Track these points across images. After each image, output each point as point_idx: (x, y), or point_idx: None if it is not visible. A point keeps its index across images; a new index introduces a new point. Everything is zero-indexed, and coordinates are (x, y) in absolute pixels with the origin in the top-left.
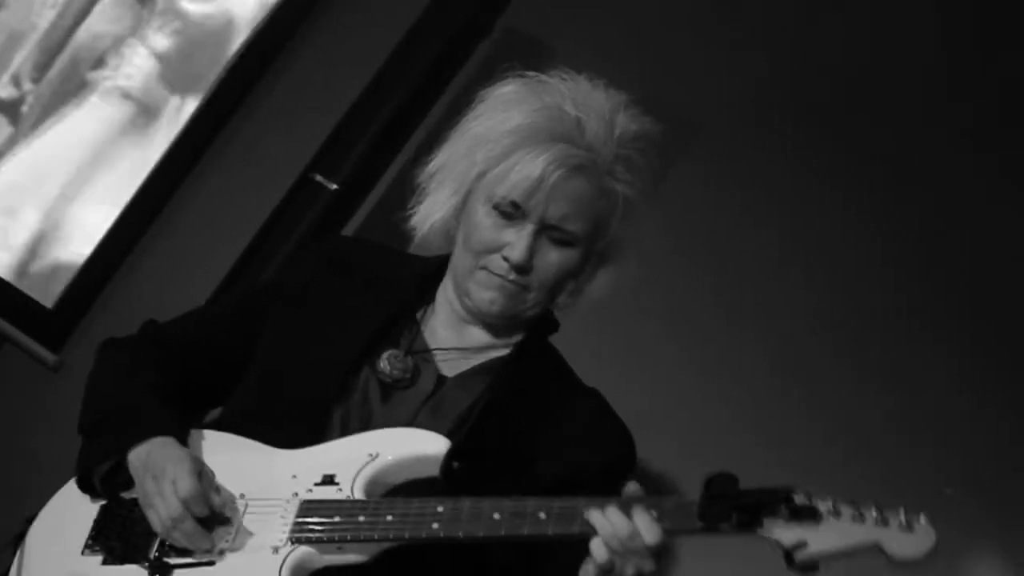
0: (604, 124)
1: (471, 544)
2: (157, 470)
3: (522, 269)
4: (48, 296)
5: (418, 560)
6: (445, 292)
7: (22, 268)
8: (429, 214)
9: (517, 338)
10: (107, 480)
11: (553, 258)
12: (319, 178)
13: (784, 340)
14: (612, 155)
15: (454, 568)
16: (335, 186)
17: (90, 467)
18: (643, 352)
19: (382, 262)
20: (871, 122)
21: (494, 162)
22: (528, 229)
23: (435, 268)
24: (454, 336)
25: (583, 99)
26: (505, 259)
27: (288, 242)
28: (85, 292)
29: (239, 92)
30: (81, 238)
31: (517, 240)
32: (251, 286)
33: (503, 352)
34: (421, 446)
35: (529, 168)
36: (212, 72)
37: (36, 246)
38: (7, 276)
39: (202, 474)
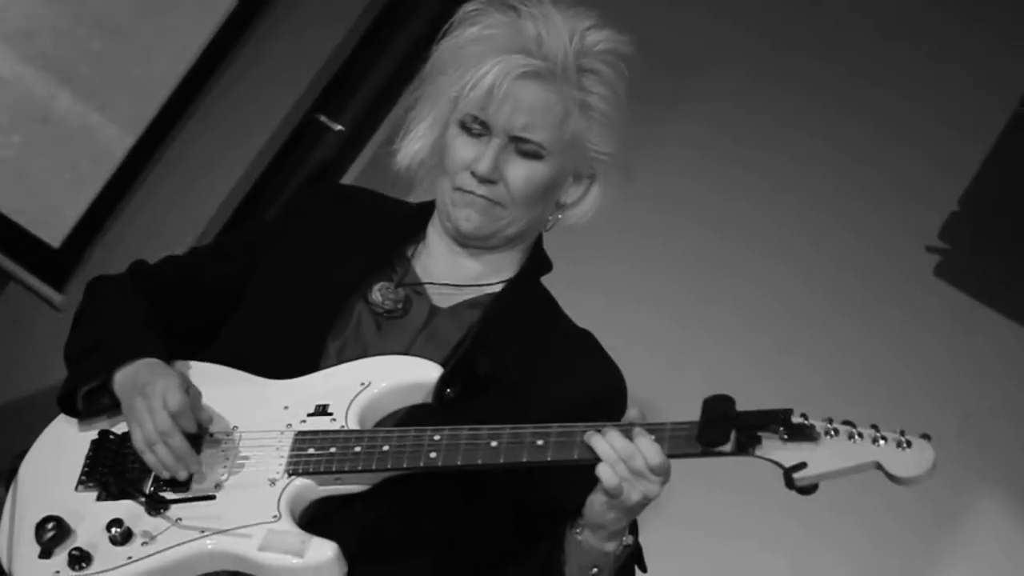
0: (565, 37)
1: (469, 473)
2: (146, 386)
3: (488, 180)
4: (54, 235)
5: (417, 488)
6: (435, 226)
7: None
8: (411, 147)
9: (509, 274)
10: (89, 402)
11: (521, 170)
12: (324, 119)
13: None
14: (575, 66)
15: (453, 495)
16: (340, 127)
17: (76, 387)
18: (634, 281)
19: (373, 205)
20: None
21: (457, 81)
22: (493, 143)
23: (425, 208)
24: (446, 271)
25: (545, 17)
26: (472, 173)
27: (293, 182)
28: (90, 231)
29: (243, 32)
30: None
31: (482, 153)
32: (243, 227)
33: (495, 287)
34: (413, 373)
35: (483, 79)
36: (218, 10)
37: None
38: (12, 215)
39: (190, 391)
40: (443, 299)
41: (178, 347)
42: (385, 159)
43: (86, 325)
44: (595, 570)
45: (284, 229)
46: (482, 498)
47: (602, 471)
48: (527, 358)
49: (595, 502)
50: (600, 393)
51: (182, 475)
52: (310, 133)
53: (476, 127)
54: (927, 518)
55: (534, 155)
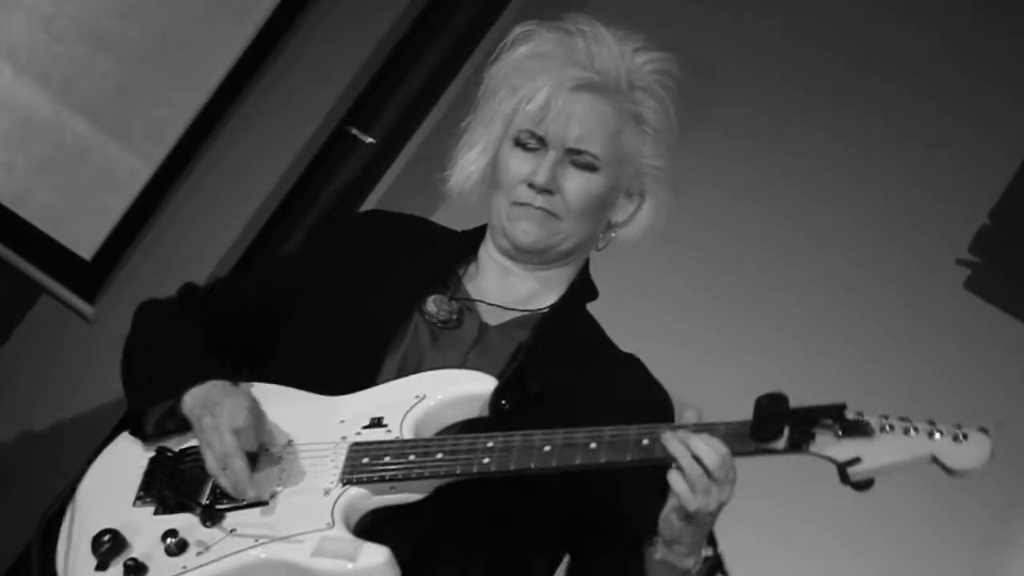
0: (616, 54)
1: (524, 479)
2: (215, 406)
3: (546, 190)
4: (86, 247)
5: (470, 497)
6: (487, 248)
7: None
8: (464, 172)
9: (557, 296)
10: (157, 425)
11: (578, 182)
12: (355, 131)
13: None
14: (627, 81)
15: (506, 504)
16: (371, 139)
17: (145, 410)
18: (670, 294)
19: (423, 230)
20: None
21: (510, 99)
22: (550, 155)
23: (474, 233)
24: (496, 291)
25: (596, 35)
26: (530, 185)
27: (324, 193)
28: (123, 243)
29: (275, 44)
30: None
31: (539, 166)
32: (290, 250)
33: (543, 310)
34: (468, 386)
35: (538, 93)
36: (249, 24)
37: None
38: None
39: (260, 416)
40: (492, 318)
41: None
42: (415, 171)
43: (147, 349)
44: None
45: (332, 249)
46: (536, 508)
47: (674, 479)
48: (575, 378)
49: (668, 515)
50: (648, 417)
51: (249, 496)
52: (341, 145)
53: (532, 142)
54: (961, 530)
55: (589, 167)
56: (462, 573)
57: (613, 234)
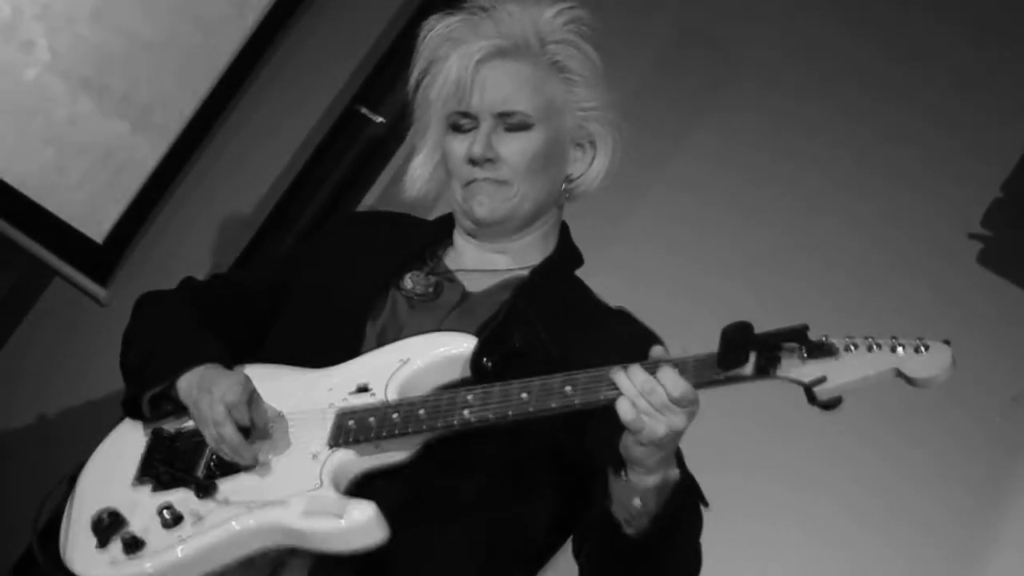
0: (521, 18)
1: (509, 430)
2: (210, 385)
3: (486, 159)
4: (97, 230)
5: (457, 454)
6: (458, 231)
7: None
8: (413, 176)
9: (537, 260)
10: (154, 407)
11: (515, 143)
12: (364, 111)
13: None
14: (538, 39)
15: (491, 457)
16: (380, 119)
17: (141, 392)
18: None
19: (401, 220)
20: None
21: (433, 89)
22: (482, 127)
23: (447, 217)
24: (477, 263)
25: (498, 7)
26: (472, 162)
27: (334, 174)
28: (134, 226)
29: (284, 24)
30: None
31: (474, 139)
32: (285, 249)
33: (525, 273)
34: (449, 346)
35: (450, 72)
36: (257, 5)
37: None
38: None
39: (253, 393)
40: (474, 284)
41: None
42: None
43: (143, 336)
44: (637, 501)
45: (321, 245)
46: (525, 458)
47: (620, 405)
48: (563, 332)
49: (624, 438)
50: (640, 354)
51: (242, 462)
52: (351, 125)
53: (463, 121)
54: (971, 503)
55: (522, 126)
56: (454, 529)
57: (572, 186)
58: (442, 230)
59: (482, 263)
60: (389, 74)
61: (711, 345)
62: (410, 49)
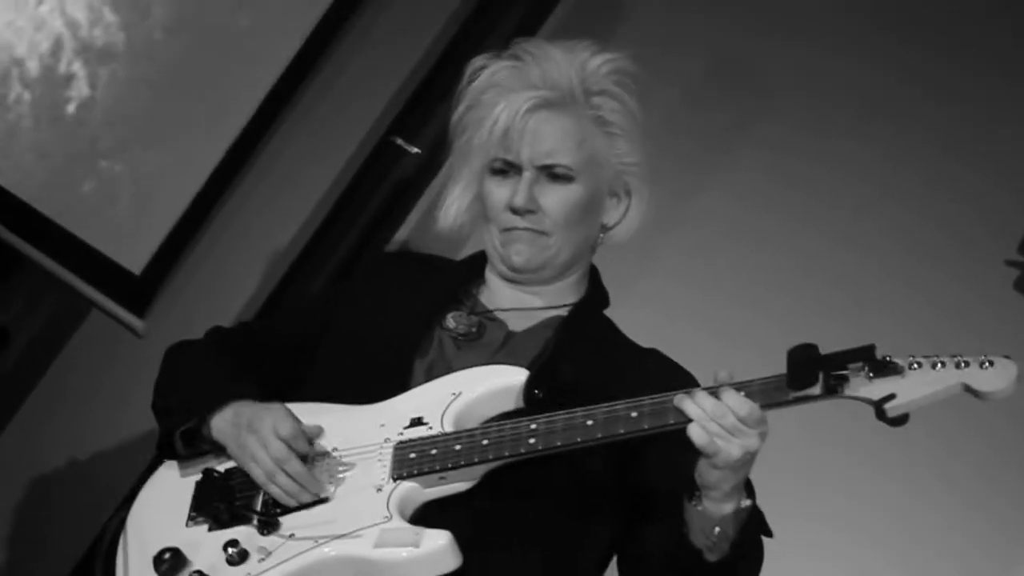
0: (567, 67)
1: (568, 458)
2: (253, 422)
3: (527, 210)
4: (135, 262)
5: (520, 478)
6: (491, 271)
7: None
8: (449, 211)
9: (571, 300)
10: (188, 445)
11: (556, 195)
12: (400, 141)
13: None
14: (582, 89)
15: (555, 481)
16: (416, 150)
17: (172, 430)
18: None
19: (430, 260)
20: None
21: (477, 133)
22: (524, 176)
23: (479, 255)
24: (513, 302)
25: (544, 54)
26: (513, 210)
27: (371, 205)
28: (172, 257)
29: (320, 55)
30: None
31: (517, 189)
32: (314, 292)
33: (562, 311)
34: (502, 379)
35: (498, 121)
36: (295, 34)
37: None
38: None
39: (298, 421)
40: (516, 324)
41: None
42: None
43: (174, 382)
44: (718, 530)
45: (355, 286)
46: (586, 483)
47: (692, 430)
48: (605, 367)
49: (700, 465)
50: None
51: (306, 498)
52: (386, 156)
53: (505, 168)
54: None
55: (564, 178)
56: (521, 553)
57: (603, 235)
58: (473, 269)
59: (519, 302)
60: (424, 105)
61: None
62: (445, 80)
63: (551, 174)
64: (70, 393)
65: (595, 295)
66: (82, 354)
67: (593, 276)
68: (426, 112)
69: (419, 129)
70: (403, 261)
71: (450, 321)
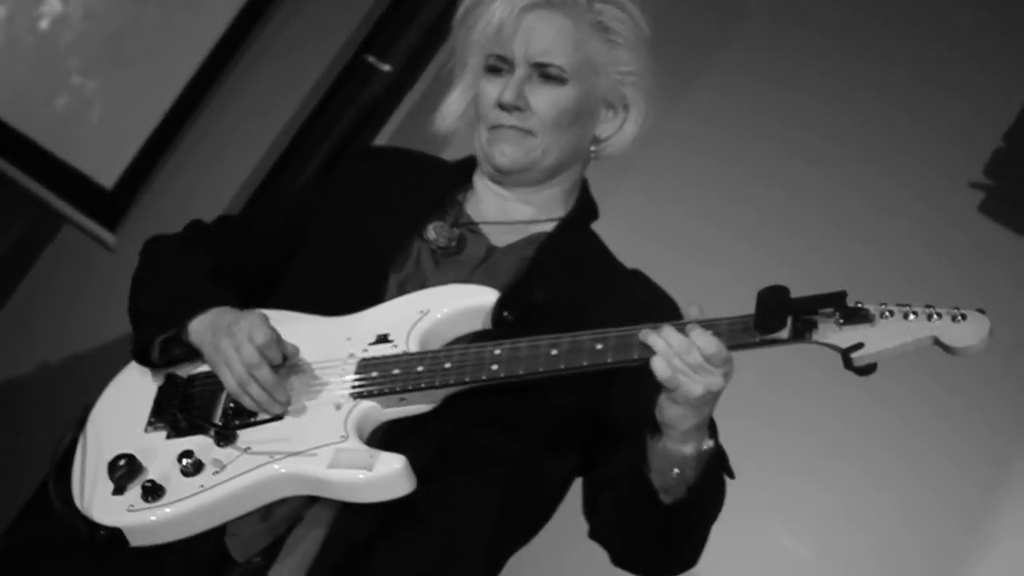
0: None
1: (533, 385)
2: (231, 326)
3: (515, 107)
4: (107, 177)
5: (481, 404)
6: (479, 176)
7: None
8: (445, 111)
9: (558, 214)
10: (163, 352)
11: (546, 95)
12: (372, 59)
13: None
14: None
15: (516, 410)
16: (387, 67)
17: (151, 337)
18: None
19: (420, 159)
20: None
21: (474, 31)
22: (517, 73)
23: (468, 160)
24: (498, 213)
25: None
26: (501, 107)
27: (341, 123)
28: (143, 172)
29: None
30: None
31: (506, 84)
32: (297, 186)
33: (547, 226)
34: (470, 299)
35: (493, 17)
36: None
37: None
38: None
39: (274, 330)
40: (498, 238)
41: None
42: (431, 100)
43: (152, 282)
44: (676, 471)
45: (336, 184)
46: (547, 414)
47: (655, 363)
48: (584, 289)
49: (661, 400)
50: (658, 320)
51: (276, 409)
52: (358, 74)
53: (499, 64)
54: (979, 458)
55: (557, 79)
56: (477, 481)
57: (596, 148)
58: (463, 174)
59: (505, 214)
60: (396, 23)
61: (722, 308)
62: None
63: (543, 74)
64: (43, 307)
65: (583, 209)
66: (54, 269)
67: (583, 189)
68: (398, 30)
69: (391, 47)
70: (390, 158)
71: (431, 232)
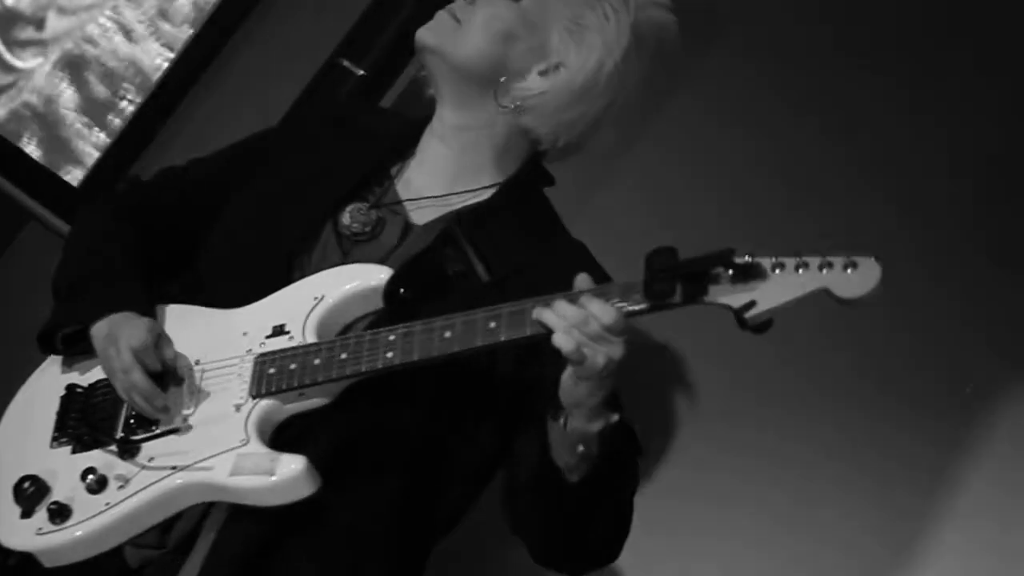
0: None
1: (430, 368)
2: (116, 336)
3: None
4: (74, 175)
5: (382, 394)
6: (431, 129)
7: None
8: None
9: (488, 179)
10: (68, 344)
11: (494, 1)
12: (346, 63)
13: None
14: None
15: (418, 398)
16: (362, 72)
17: (54, 329)
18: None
19: (373, 120)
20: None
21: None
22: None
23: (421, 120)
24: (426, 178)
25: None
26: None
27: None
28: (111, 172)
29: None
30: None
31: None
32: (238, 142)
33: (479, 195)
34: (362, 279)
35: None
36: None
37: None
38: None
39: (160, 336)
40: (421, 214)
41: (165, 266)
42: (406, 103)
43: (73, 257)
44: (581, 447)
45: (275, 143)
46: (447, 399)
47: (557, 339)
48: (506, 256)
49: (564, 379)
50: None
51: (159, 416)
52: (332, 77)
53: None
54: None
55: None
56: (379, 474)
57: (511, 89)
58: (411, 133)
59: (432, 177)
60: (371, 27)
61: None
62: (393, 3)
63: None
64: (6, 305)
65: (528, 173)
66: (18, 266)
67: (533, 156)
68: (372, 34)
69: (365, 51)
70: (344, 120)
71: (345, 217)
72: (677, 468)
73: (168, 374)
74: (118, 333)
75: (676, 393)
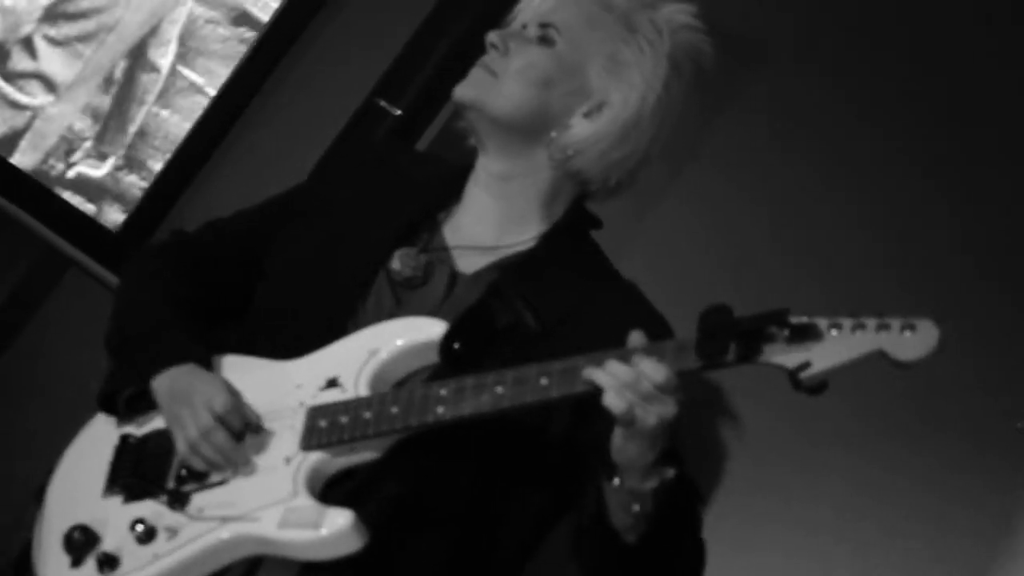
0: None
1: (482, 424)
2: (188, 393)
3: (493, 47)
4: (113, 220)
5: (432, 450)
6: (475, 179)
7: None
8: None
9: (535, 229)
10: (129, 405)
11: (528, 48)
12: (383, 103)
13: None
14: (636, 4)
15: (469, 454)
16: (399, 111)
17: (116, 391)
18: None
19: (412, 168)
20: None
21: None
22: (518, 22)
23: (464, 167)
24: (478, 232)
25: None
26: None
27: None
28: (151, 217)
29: (303, 17)
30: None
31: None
32: (283, 191)
33: (524, 246)
34: (417, 333)
35: None
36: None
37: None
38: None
39: (239, 396)
40: (468, 263)
41: (216, 318)
42: (444, 143)
43: (124, 312)
44: (636, 507)
45: (320, 191)
46: (500, 455)
47: (608, 399)
48: (556, 305)
49: (615, 439)
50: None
51: (225, 469)
52: (369, 117)
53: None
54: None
55: (546, 40)
56: (430, 531)
57: (558, 141)
58: (457, 180)
59: (479, 225)
60: (408, 67)
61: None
62: (429, 42)
63: (539, 34)
64: (47, 350)
65: (573, 219)
66: (59, 312)
67: (576, 201)
68: (410, 74)
69: (402, 91)
70: (387, 164)
71: (395, 262)
72: (732, 519)
73: (247, 431)
74: (189, 390)
75: (728, 440)
